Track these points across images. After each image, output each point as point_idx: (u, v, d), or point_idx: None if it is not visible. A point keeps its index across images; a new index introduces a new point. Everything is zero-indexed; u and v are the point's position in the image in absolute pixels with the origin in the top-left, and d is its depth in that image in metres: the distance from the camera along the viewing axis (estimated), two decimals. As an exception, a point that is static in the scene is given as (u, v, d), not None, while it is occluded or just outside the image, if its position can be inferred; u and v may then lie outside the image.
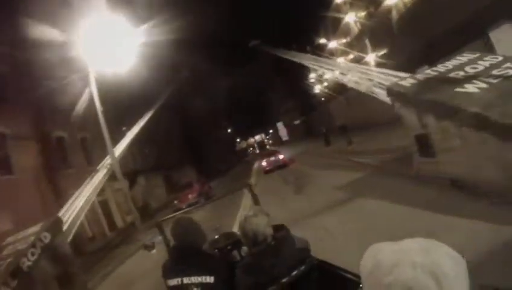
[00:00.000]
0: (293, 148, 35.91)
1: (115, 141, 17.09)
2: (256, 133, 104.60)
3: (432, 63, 7.55)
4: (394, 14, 21.75)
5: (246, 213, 1.88)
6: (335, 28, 34.41)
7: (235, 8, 64.08)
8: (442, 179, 6.01)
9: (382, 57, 26.61)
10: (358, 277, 1.14)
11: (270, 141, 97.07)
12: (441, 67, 6.97)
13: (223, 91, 64.49)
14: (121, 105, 21.63)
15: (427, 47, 15.64)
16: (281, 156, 21.48)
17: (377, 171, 9.88)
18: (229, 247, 2.74)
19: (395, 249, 0.72)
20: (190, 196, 17.94)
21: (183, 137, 41.81)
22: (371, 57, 27.81)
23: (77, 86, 17.04)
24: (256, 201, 3.11)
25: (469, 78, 6.01)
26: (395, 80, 8.22)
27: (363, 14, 28.77)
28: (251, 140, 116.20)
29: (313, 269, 1.79)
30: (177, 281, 1.92)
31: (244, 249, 2.49)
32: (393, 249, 0.72)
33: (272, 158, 21.68)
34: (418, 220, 4.78)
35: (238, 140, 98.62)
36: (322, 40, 38.91)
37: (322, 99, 52.93)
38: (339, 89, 38.28)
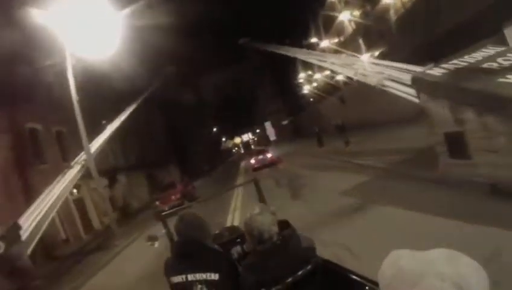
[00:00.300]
0: (282, 148, 34.99)
1: (94, 135, 15.67)
2: (243, 133, 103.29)
3: (436, 60, 6.70)
4: (392, 13, 21.15)
5: (252, 211, 1.86)
6: (328, 27, 33.72)
7: (225, 4, 62.77)
8: (479, 184, 5.09)
9: (378, 57, 26.07)
10: (364, 278, 1.56)
11: (255, 139, 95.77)
12: (468, 58, 6.08)
13: (209, 88, 63.10)
14: (102, 97, 20.12)
15: (429, 45, 14.98)
16: (269, 155, 22.13)
17: (385, 173, 8.92)
18: (233, 241, 2.69)
19: (419, 258, 0.72)
20: (173, 197, 16.40)
21: (167, 134, 40.28)
22: (365, 57, 27.22)
23: (55, 74, 15.57)
24: (261, 198, 3.05)
25: (508, 70, 5.12)
26: (407, 73, 7.39)
27: (358, 13, 28.14)
28: (237, 139, 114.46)
29: (317, 269, 1.77)
30: (182, 278, 1.87)
31: (235, 249, 2.52)
32: (416, 257, 0.73)
33: (260, 156, 22.44)
34: (472, 236, 3.79)
35: (223, 139, 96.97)
36: (313, 39, 38.25)
37: (311, 99, 52.41)
38: (330, 89, 37.78)
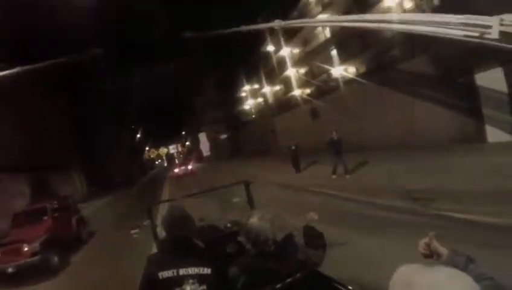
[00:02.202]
0: (228, 170, 27.50)
1: None
2: (170, 143, 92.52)
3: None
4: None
5: (250, 215, 1.93)
6: (292, 33, 28.99)
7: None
8: None
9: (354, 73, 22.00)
10: None
11: (183, 151, 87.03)
12: None
13: (138, 84, 53.76)
14: None
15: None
16: (190, 167, 31.30)
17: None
18: (230, 237, 2.67)
19: (426, 275, 0.78)
20: (25, 249, 7.11)
21: (73, 131, 30.41)
22: (338, 71, 23.00)
23: None
24: (250, 201, 3.13)
25: None
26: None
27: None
28: (162, 150, 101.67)
29: (309, 279, 1.79)
30: (172, 272, 1.82)
31: (232, 245, 2.51)
32: (424, 274, 0.79)
33: (183, 167, 31.57)
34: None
35: (147, 148, 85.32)
36: (270, 48, 33.37)
37: (253, 116, 47.08)
38: (285, 103, 32.83)
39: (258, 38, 34.35)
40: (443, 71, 10.50)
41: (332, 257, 4.66)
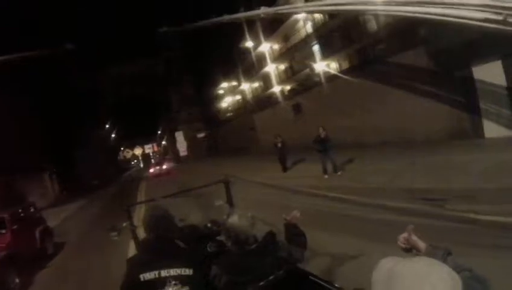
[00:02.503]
0: (208, 170, 26.86)
1: None
2: (146, 142, 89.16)
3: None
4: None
5: (230, 214, 1.98)
6: (273, 28, 28.31)
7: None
8: None
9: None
10: (339, 288, 1.65)
11: (159, 151, 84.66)
12: None
13: (111, 81, 51.40)
14: None
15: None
16: (165, 166, 32.15)
17: None
18: (210, 237, 2.67)
19: (408, 265, 0.81)
20: None
21: (44, 130, 28.36)
22: (321, 66, 22.55)
23: None
24: (229, 200, 3.08)
25: None
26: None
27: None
28: (137, 150, 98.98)
29: (291, 277, 1.78)
30: (154, 274, 1.78)
31: (211, 245, 2.48)
32: (405, 264, 0.81)
33: (158, 167, 32.80)
34: None
35: (122, 148, 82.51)
36: (249, 44, 32.51)
37: (229, 114, 45.85)
38: (265, 100, 32.11)
39: (237, 34, 33.50)
40: (439, 65, 10.14)
41: (349, 274, 4.00)
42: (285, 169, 13.02)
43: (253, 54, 32.33)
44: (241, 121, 34.00)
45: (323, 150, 10.35)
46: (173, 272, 1.76)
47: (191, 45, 42.42)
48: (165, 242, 1.89)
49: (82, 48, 35.93)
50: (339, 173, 10.18)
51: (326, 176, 10.23)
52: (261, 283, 1.69)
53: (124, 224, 2.91)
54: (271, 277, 1.71)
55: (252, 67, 34.31)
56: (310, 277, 1.82)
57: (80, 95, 37.31)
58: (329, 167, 10.34)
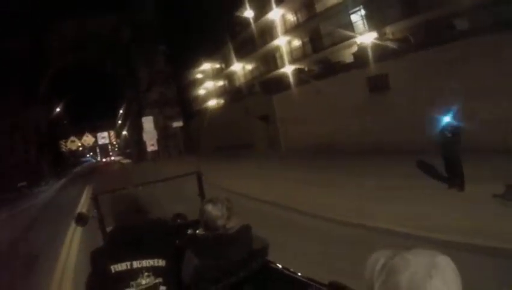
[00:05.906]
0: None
1: None
2: (102, 129, 76.18)
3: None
4: None
5: (203, 204, 1.89)
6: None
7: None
8: None
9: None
10: (311, 280, 1.53)
11: (115, 148, 75.77)
12: None
13: (59, 43, 40.22)
14: None
15: None
16: (113, 158, 64.18)
17: None
18: (188, 226, 2.59)
19: (404, 256, 0.73)
20: None
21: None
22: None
23: None
24: (201, 192, 3.07)
25: None
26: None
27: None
28: (89, 139, 78.50)
29: (262, 269, 1.76)
30: (126, 265, 1.70)
31: (182, 238, 2.35)
32: (401, 254, 0.74)
33: (108, 159, 71.40)
34: None
35: (72, 138, 69.82)
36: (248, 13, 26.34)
37: (204, 106, 38.61)
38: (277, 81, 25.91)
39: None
40: None
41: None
42: (461, 187, 6.03)
43: (253, 25, 26.45)
44: (237, 108, 27.06)
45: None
46: (146, 263, 1.71)
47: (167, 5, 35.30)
48: (136, 233, 1.79)
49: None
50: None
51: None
52: (233, 276, 1.63)
53: (92, 213, 2.63)
54: (242, 269, 1.66)
55: (249, 43, 28.60)
56: (283, 270, 1.75)
57: (10, 60, 28.33)
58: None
